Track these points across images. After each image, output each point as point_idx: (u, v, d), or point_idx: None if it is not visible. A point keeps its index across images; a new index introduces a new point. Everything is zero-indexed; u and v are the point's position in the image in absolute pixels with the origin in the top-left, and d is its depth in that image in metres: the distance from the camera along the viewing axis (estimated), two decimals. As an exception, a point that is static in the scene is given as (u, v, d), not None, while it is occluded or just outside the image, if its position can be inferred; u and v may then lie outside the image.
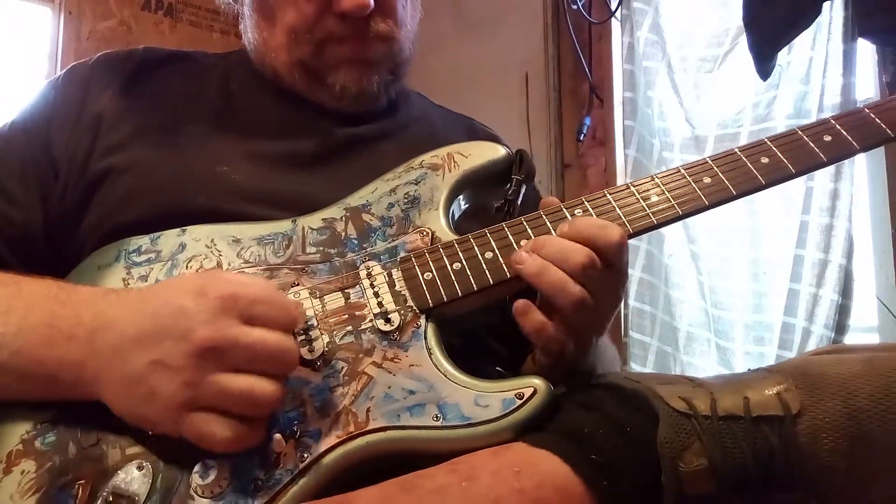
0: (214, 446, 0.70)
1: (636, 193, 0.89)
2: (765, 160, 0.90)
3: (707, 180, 0.89)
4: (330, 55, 1.03)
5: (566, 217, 0.88)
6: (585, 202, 0.89)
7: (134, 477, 0.73)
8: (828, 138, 0.90)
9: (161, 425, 0.72)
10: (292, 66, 1.06)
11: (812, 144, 0.90)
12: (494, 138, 1.22)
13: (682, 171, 0.90)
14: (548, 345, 0.83)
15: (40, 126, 1.01)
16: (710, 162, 0.90)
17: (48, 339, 0.75)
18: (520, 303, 0.83)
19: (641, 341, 2.58)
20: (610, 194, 0.89)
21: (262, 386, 0.69)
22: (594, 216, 0.87)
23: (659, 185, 0.89)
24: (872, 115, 0.92)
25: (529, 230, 0.87)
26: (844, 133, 0.91)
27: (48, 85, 1.07)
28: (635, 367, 2.56)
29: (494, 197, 0.96)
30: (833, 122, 0.92)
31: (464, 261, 0.85)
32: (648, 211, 0.87)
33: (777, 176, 0.89)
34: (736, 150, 0.91)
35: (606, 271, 0.81)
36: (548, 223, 0.87)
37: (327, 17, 1.01)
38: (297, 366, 0.74)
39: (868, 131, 0.91)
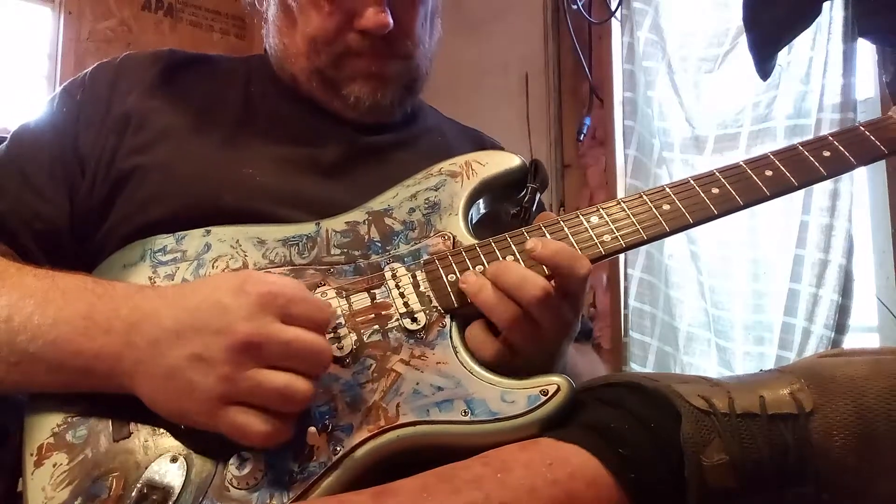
0: (249, 440, 0.71)
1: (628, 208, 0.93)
2: (768, 172, 0.94)
3: (666, 207, 0.92)
4: (347, 68, 1.06)
5: (582, 223, 0.90)
6: (601, 209, 0.92)
7: (168, 469, 0.74)
8: (769, 173, 0.94)
9: (197, 418, 0.73)
10: (310, 74, 1.08)
11: (756, 177, 0.94)
12: (502, 149, 1.24)
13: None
14: (490, 361, 0.83)
15: (68, 124, 1.02)
16: (670, 192, 0.93)
17: (85, 331, 0.76)
18: (470, 330, 0.85)
19: (641, 341, 2.59)
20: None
21: (297, 383, 0.71)
22: (608, 221, 0.90)
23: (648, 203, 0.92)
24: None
25: (547, 234, 0.89)
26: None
27: (74, 82, 1.08)
28: (635, 367, 2.57)
29: (509, 204, 0.99)
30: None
31: (485, 264, 0.87)
32: (638, 227, 0.91)
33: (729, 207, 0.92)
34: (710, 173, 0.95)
35: (562, 301, 0.83)
36: (566, 229, 0.90)
37: (348, 32, 1.03)
38: (330, 364, 0.76)
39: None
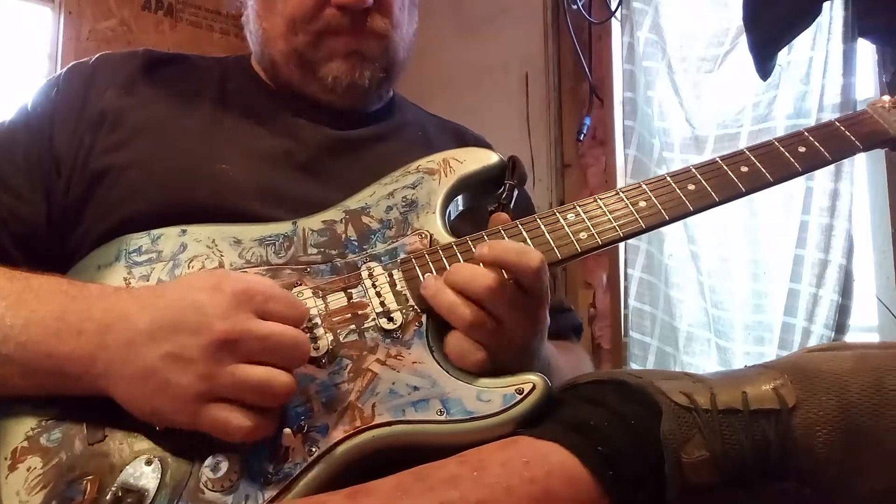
0: (231, 436, 0.71)
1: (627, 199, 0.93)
2: (744, 168, 0.95)
3: (642, 204, 0.92)
4: (325, 47, 1.06)
5: (559, 221, 0.90)
6: (577, 206, 0.92)
7: (143, 472, 0.73)
8: (744, 169, 0.95)
9: (175, 418, 0.73)
10: (288, 56, 1.08)
11: (731, 174, 0.94)
12: (485, 144, 1.26)
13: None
14: (464, 364, 0.82)
15: (43, 123, 1.02)
16: (646, 189, 0.93)
17: (56, 332, 0.76)
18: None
19: (641, 341, 2.59)
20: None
21: (277, 376, 0.72)
22: (585, 219, 0.90)
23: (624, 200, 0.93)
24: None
25: (524, 233, 0.89)
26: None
27: (49, 82, 1.08)
28: (635, 367, 2.56)
29: (487, 201, 0.99)
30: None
31: (462, 262, 0.86)
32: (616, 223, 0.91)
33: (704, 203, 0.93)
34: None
35: (520, 296, 0.82)
36: (542, 226, 0.90)
37: (325, 8, 1.03)
38: (308, 358, 0.77)
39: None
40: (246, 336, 0.71)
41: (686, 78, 2.59)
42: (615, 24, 2.88)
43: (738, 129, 2.44)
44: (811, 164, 0.95)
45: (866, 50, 2.21)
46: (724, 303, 2.45)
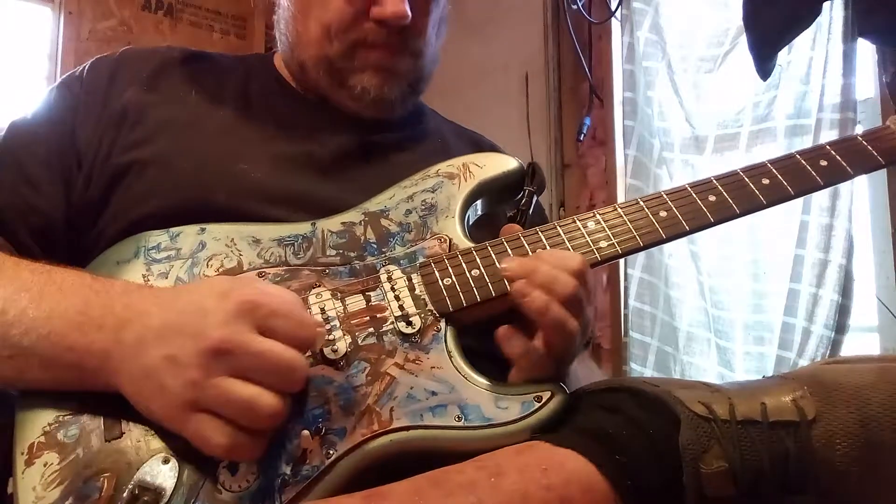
0: (209, 451, 0.70)
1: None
2: (765, 180, 0.95)
3: (663, 214, 0.92)
4: (358, 59, 1.06)
5: (580, 229, 0.91)
6: (597, 214, 0.92)
7: (160, 470, 0.73)
8: (765, 181, 0.94)
9: (166, 421, 0.72)
10: (319, 62, 1.07)
11: (752, 186, 0.94)
12: (500, 152, 1.24)
13: (640, 202, 0.94)
14: (530, 370, 0.82)
15: (65, 116, 1.02)
16: (667, 199, 0.93)
17: (79, 325, 0.76)
18: (502, 329, 0.84)
19: (641, 341, 2.59)
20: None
21: (264, 397, 0.69)
22: (605, 227, 0.91)
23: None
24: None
25: (545, 240, 0.90)
26: (779, 177, 0.95)
27: (73, 76, 1.08)
28: (635, 367, 2.57)
29: (505, 207, 1.00)
30: (769, 165, 0.96)
31: (482, 268, 0.87)
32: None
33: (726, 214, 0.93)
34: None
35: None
36: (562, 234, 0.90)
37: (365, 21, 1.03)
38: (302, 385, 0.74)
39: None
40: (239, 349, 0.69)
41: (686, 78, 2.58)
42: (615, 24, 2.88)
43: (738, 129, 2.44)
44: (833, 178, 0.95)
45: (866, 50, 2.20)
46: (724, 303, 2.44)
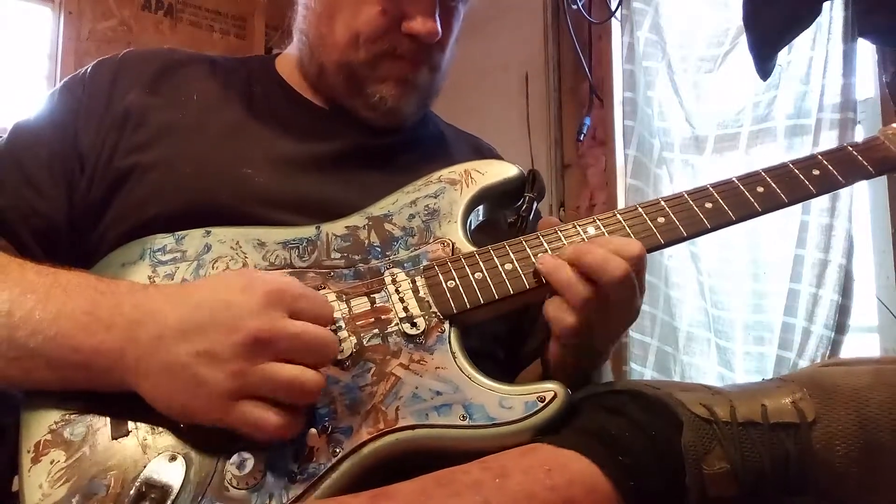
0: (265, 433, 0.72)
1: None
2: (760, 188, 0.96)
3: (661, 220, 0.94)
4: (382, 68, 1.06)
5: (579, 233, 0.92)
6: (597, 220, 0.94)
7: (167, 468, 0.74)
8: (760, 189, 0.96)
9: (205, 415, 0.73)
10: (340, 67, 1.07)
11: (747, 194, 0.96)
12: (499, 156, 1.28)
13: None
14: (566, 335, 0.86)
15: (68, 120, 1.03)
16: (665, 206, 0.95)
17: (86, 327, 0.76)
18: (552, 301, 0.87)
19: (641, 341, 2.59)
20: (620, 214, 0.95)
21: (307, 373, 0.73)
22: (605, 233, 0.92)
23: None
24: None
25: (546, 244, 0.91)
26: (774, 186, 0.97)
27: (75, 78, 1.08)
28: (635, 367, 2.57)
29: (505, 213, 1.02)
30: (762, 173, 0.98)
31: (485, 271, 0.89)
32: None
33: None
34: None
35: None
36: (562, 238, 0.92)
37: (395, 33, 1.04)
38: (336, 356, 0.78)
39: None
40: (278, 334, 0.72)
41: (686, 78, 2.59)
42: (615, 24, 2.88)
43: (738, 129, 2.44)
44: (825, 187, 0.96)
45: (866, 50, 2.21)
46: (724, 303, 2.44)
